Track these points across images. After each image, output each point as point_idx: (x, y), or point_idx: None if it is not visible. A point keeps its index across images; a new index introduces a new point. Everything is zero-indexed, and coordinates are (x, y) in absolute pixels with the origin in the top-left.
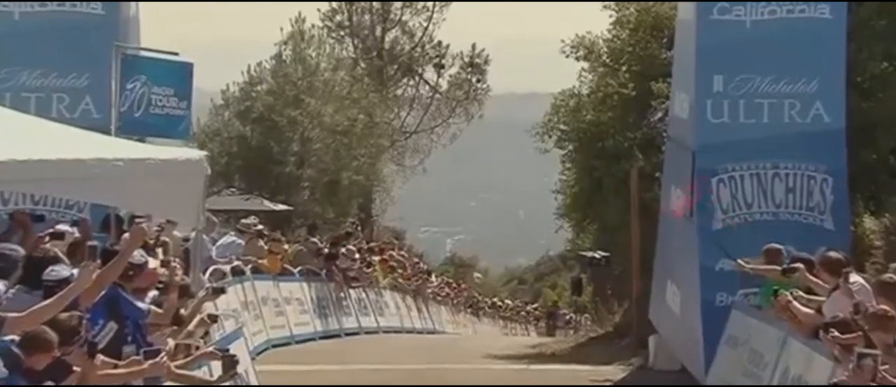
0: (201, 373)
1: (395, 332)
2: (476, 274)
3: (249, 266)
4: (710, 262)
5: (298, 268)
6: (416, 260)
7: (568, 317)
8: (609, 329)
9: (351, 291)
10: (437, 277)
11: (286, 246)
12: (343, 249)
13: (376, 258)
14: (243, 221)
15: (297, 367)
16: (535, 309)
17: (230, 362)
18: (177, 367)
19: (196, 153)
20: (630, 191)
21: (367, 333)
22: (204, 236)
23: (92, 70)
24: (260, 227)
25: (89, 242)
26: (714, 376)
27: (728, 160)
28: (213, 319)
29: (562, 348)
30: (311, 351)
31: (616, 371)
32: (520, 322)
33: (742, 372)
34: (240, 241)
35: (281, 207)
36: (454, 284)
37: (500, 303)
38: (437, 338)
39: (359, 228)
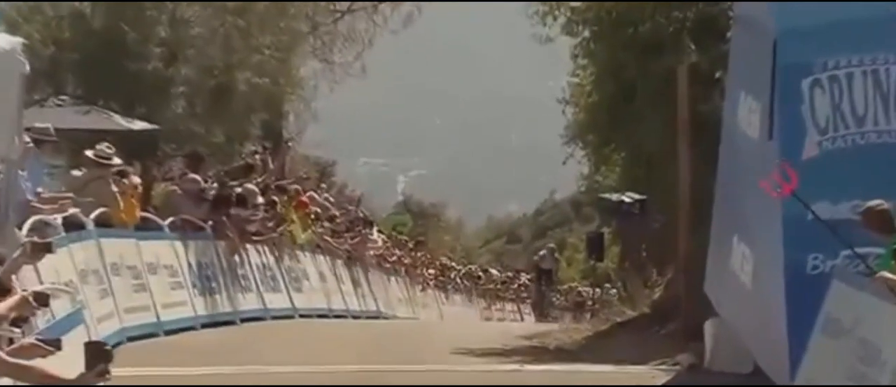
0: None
1: (320, 316)
2: (444, 230)
3: (92, 216)
4: (798, 208)
5: (169, 219)
6: (351, 207)
7: (581, 293)
8: (644, 310)
9: (251, 253)
10: (383, 233)
11: (140, 183)
12: (238, 191)
13: (290, 204)
14: (96, 147)
15: (168, 371)
16: (533, 281)
17: (99, 354)
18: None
19: (6, 40)
20: (676, 101)
21: (276, 318)
22: (20, 171)
23: None
24: (118, 162)
25: None
26: (805, 377)
27: (828, 51)
28: (41, 299)
29: (573, 340)
30: (188, 346)
31: (654, 374)
32: (510, 300)
33: (846, 372)
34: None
35: (140, 125)
36: (409, 244)
37: (479, 272)
38: (383, 326)
39: (263, 157)
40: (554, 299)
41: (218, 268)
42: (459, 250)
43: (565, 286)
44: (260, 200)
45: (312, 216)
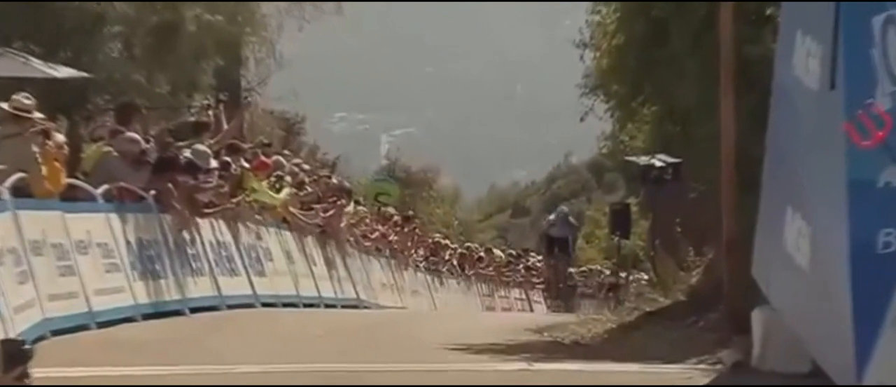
0: None
1: (287, 305)
2: (437, 202)
3: (7, 183)
4: (868, 172)
5: (103, 186)
6: (325, 173)
7: (602, 276)
8: (679, 298)
9: (202, 229)
10: (363, 204)
11: (66, 142)
12: (187, 153)
13: (250, 168)
14: (12, 98)
15: (101, 372)
16: (543, 255)
17: (16, 353)
18: None
19: None
20: (718, 43)
21: (233, 307)
22: None
23: None
24: (39, 116)
25: None
26: (874, 378)
27: None
28: None
29: (592, 333)
30: (127, 342)
31: (690, 374)
32: (516, 286)
33: None
34: None
35: (66, 71)
36: (395, 218)
37: (479, 252)
38: (363, 317)
39: (217, 112)
40: (576, 279)
41: (162, 247)
42: (456, 226)
43: (584, 268)
44: (213, 163)
45: (277, 185)
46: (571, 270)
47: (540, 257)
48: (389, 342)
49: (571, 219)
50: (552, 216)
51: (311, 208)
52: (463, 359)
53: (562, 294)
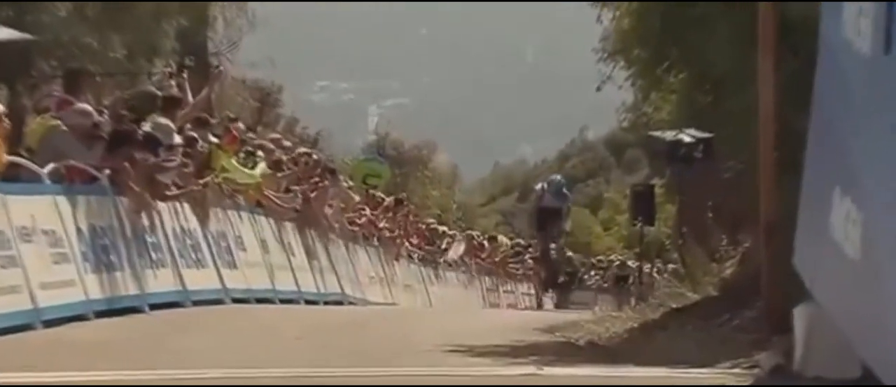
0: None
1: (261, 301)
2: (434, 183)
3: None
4: None
5: (50, 165)
6: (305, 151)
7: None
8: (710, 292)
9: (164, 214)
10: (349, 185)
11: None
12: (147, 126)
13: (219, 142)
14: None
15: (48, 377)
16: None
17: None
18: None
19: None
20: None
21: (200, 303)
22: None
23: None
24: None
25: None
26: None
27: None
28: None
29: (611, 333)
30: (77, 342)
31: (723, 379)
32: (525, 279)
33: None
34: None
35: (7, 33)
36: (386, 202)
37: (482, 241)
38: (348, 314)
39: (180, 80)
40: (575, 264)
41: (118, 234)
42: (454, 210)
43: (601, 259)
44: (177, 139)
45: (249, 163)
46: (570, 254)
47: (551, 246)
48: (378, 343)
49: (566, 189)
50: (541, 184)
51: (290, 190)
52: (462, 362)
53: (560, 283)
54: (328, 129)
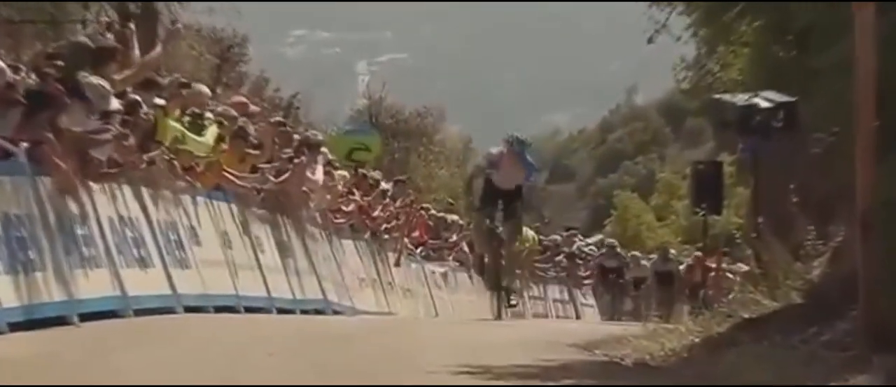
0: None
1: (222, 310)
2: (439, 159)
3: None
4: None
5: None
6: (278, 119)
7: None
8: (792, 299)
9: (98, 199)
10: (334, 164)
11: None
12: (91, 81)
13: (165, 105)
14: None
15: None
16: (592, 248)
17: None
18: None
19: None
20: None
21: (144, 312)
22: None
23: None
24: None
25: None
26: None
27: None
28: None
29: (666, 350)
30: None
31: None
32: (556, 282)
33: None
34: None
35: None
36: (380, 185)
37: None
38: (333, 326)
39: (121, 30)
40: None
41: (39, 224)
42: (467, 195)
43: (653, 257)
44: (115, 104)
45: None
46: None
47: (588, 241)
48: (370, 362)
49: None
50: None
51: (258, 170)
52: (479, 381)
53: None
54: (306, 91)
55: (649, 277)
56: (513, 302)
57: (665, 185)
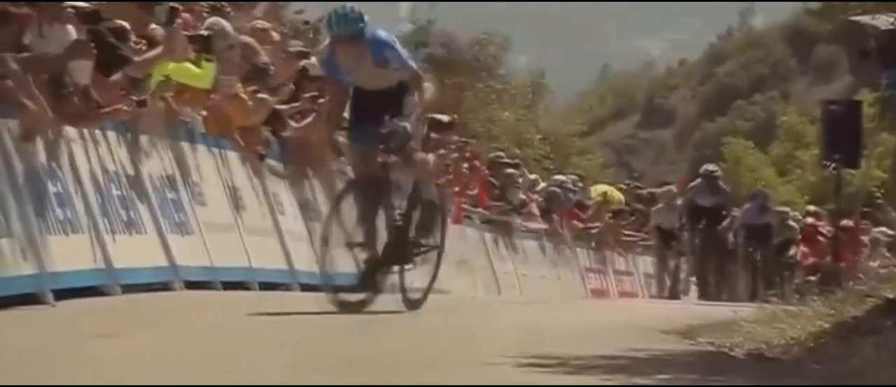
0: None
1: (231, 287)
2: (501, 97)
3: None
4: None
5: None
6: (301, 49)
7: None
8: None
9: (75, 148)
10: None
11: None
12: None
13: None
14: None
15: None
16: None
17: None
18: None
19: None
20: None
21: (133, 288)
22: None
23: None
24: None
25: None
26: None
27: None
28: None
29: (788, 339)
30: None
31: None
32: (646, 254)
33: None
34: None
35: None
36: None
37: (577, 190)
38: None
39: None
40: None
41: (4, 179)
42: (538, 143)
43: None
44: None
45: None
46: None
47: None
48: (412, 351)
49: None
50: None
51: (277, 113)
52: (544, 379)
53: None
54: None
55: (738, 231)
56: None
57: (788, 131)
